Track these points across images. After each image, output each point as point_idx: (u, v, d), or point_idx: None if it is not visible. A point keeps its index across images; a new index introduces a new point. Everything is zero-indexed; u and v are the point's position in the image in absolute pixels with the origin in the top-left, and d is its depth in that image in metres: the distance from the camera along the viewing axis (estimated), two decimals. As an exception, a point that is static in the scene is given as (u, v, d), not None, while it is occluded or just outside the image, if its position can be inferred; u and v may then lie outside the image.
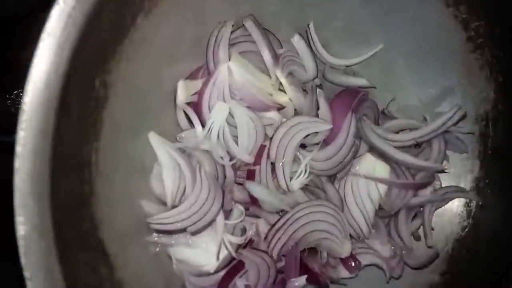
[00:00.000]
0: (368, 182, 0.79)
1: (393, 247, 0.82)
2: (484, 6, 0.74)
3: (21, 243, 0.43)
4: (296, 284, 0.74)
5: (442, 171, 0.81)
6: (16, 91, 0.92)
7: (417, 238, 0.84)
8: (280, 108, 0.75)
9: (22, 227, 0.43)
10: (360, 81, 0.84)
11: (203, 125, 0.71)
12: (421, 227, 0.84)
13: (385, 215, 0.83)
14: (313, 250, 0.80)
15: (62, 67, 0.47)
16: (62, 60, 0.48)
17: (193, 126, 0.72)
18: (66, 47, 0.48)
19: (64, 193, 0.50)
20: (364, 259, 0.81)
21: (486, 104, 0.81)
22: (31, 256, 0.43)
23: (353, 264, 0.80)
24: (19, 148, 0.43)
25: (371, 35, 0.83)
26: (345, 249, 0.78)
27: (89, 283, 0.55)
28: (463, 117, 0.79)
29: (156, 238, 0.70)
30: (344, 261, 0.81)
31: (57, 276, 0.46)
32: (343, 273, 0.81)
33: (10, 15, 0.87)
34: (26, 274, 0.43)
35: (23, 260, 0.43)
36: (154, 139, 0.71)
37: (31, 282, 0.43)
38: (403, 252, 0.82)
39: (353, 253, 0.80)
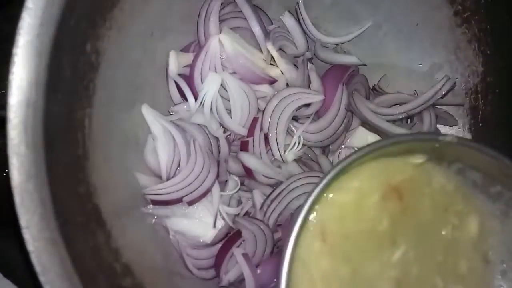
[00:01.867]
0: (362, 154, 0.79)
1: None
2: (469, -20, 0.76)
3: (16, 191, 0.42)
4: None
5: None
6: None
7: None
8: (272, 81, 0.76)
9: (16, 175, 0.43)
10: (351, 59, 0.86)
11: (195, 98, 0.72)
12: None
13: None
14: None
15: (52, 24, 0.47)
16: (51, 19, 0.48)
17: (185, 99, 0.72)
18: (53, 6, 0.48)
19: (58, 151, 0.50)
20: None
21: (475, 78, 0.82)
22: (27, 205, 0.43)
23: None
24: (12, 100, 0.44)
25: (359, 13, 0.84)
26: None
27: (87, 246, 0.54)
28: (452, 87, 0.80)
29: (152, 210, 0.69)
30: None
31: (53, 226, 0.46)
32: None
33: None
34: (22, 222, 0.43)
35: (19, 209, 0.43)
36: (147, 112, 0.71)
37: (28, 231, 0.43)
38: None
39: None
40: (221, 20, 0.75)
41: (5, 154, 0.84)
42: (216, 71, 0.71)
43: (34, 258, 0.44)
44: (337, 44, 0.87)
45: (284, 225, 0.73)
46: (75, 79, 0.55)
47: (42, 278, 0.44)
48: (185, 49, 0.76)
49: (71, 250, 0.49)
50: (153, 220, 0.70)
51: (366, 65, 0.86)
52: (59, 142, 0.51)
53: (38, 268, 0.44)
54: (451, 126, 0.85)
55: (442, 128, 0.85)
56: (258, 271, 0.72)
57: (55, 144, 0.49)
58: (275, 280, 0.73)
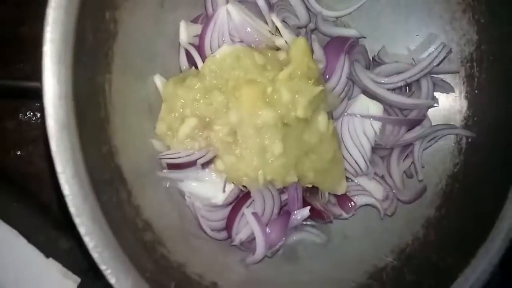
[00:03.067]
0: (363, 120, 0.84)
1: (386, 190, 0.86)
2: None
3: (52, 139, 0.46)
4: (299, 216, 0.78)
5: (432, 106, 0.86)
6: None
7: (409, 175, 0.89)
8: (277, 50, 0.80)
9: (52, 124, 0.46)
10: (351, 32, 0.89)
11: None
12: (412, 165, 0.88)
13: (381, 154, 0.87)
14: (314, 191, 0.84)
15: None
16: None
17: (194, 66, 0.76)
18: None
19: (84, 109, 0.54)
20: (359, 200, 0.86)
21: (470, 46, 0.85)
22: (61, 152, 0.47)
23: (349, 205, 0.84)
24: (45, 56, 0.47)
25: (358, -14, 0.88)
26: (341, 187, 0.82)
27: (112, 200, 0.58)
28: (448, 53, 0.84)
29: (167, 173, 0.73)
30: (340, 202, 0.85)
31: (84, 176, 0.49)
32: (342, 212, 0.86)
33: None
34: (58, 168, 0.46)
35: (55, 156, 0.47)
36: (159, 81, 0.75)
37: (64, 175, 0.47)
38: (394, 191, 0.86)
39: (348, 194, 0.85)
40: (227, -5, 0.79)
41: (19, 134, 0.91)
42: (224, 40, 0.75)
43: (70, 201, 0.47)
44: (337, 18, 0.90)
45: (290, 187, 0.77)
46: (96, 45, 0.58)
47: (77, 220, 0.47)
48: (193, 21, 0.80)
49: (100, 201, 0.53)
50: (168, 183, 0.74)
51: (365, 37, 0.90)
52: (85, 101, 0.54)
53: (72, 209, 0.47)
54: (448, 93, 0.88)
55: (439, 95, 0.89)
56: (267, 230, 0.76)
57: (82, 102, 0.53)
58: (283, 239, 0.78)
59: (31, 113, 0.95)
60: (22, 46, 0.95)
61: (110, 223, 0.53)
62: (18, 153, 0.94)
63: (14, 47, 0.95)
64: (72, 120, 0.49)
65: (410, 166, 0.88)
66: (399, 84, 0.86)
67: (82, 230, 0.48)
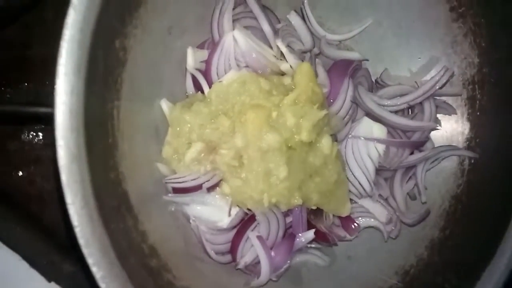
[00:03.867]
0: (367, 142, 0.85)
1: (390, 213, 0.87)
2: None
3: (62, 170, 0.47)
4: (304, 239, 0.78)
5: (435, 128, 0.87)
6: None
7: (413, 197, 0.89)
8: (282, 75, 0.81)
9: (63, 156, 0.47)
10: (353, 55, 0.90)
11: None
12: (415, 187, 0.88)
13: (385, 176, 0.88)
14: (318, 213, 0.85)
15: (92, 20, 0.52)
16: (91, 16, 0.53)
17: (201, 91, 0.77)
18: (94, 4, 0.53)
19: (94, 138, 0.55)
20: (363, 223, 0.87)
21: (471, 69, 0.86)
22: (71, 184, 0.48)
23: (352, 227, 0.85)
24: (59, 88, 0.48)
25: (361, 11, 0.90)
26: (345, 209, 0.83)
27: (119, 227, 0.59)
28: (451, 77, 0.85)
29: (172, 197, 0.74)
30: (344, 224, 0.86)
31: (92, 205, 0.50)
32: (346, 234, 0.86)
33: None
34: (68, 199, 0.47)
35: (65, 188, 0.47)
36: (166, 106, 0.76)
37: (73, 207, 0.48)
38: (397, 214, 0.87)
39: (352, 216, 0.85)
40: (233, 20, 0.80)
41: (21, 155, 0.92)
42: (230, 65, 0.76)
43: (79, 232, 0.48)
44: (340, 41, 0.92)
45: (295, 210, 0.78)
46: (107, 73, 0.60)
47: (85, 250, 0.48)
48: (199, 47, 0.81)
49: (107, 229, 0.53)
50: (173, 207, 0.74)
51: (368, 60, 0.91)
52: (95, 130, 0.55)
53: (81, 241, 0.48)
54: (450, 115, 0.89)
55: (442, 117, 0.90)
56: (272, 253, 0.76)
57: (92, 131, 0.54)
58: (288, 262, 0.78)
59: (33, 134, 0.96)
60: (27, 67, 0.96)
61: (117, 251, 0.53)
62: (20, 173, 0.94)
63: (19, 68, 0.96)
64: (82, 151, 0.50)
65: (413, 188, 0.89)
66: (402, 107, 0.87)
67: (90, 260, 0.49)
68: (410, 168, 0.88)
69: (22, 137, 0.95)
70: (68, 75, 0.48)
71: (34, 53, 0.95)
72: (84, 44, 0.50)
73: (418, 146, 0.87)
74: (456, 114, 0.88)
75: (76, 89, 0.49)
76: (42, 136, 0.95)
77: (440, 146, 0.88)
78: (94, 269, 0.49)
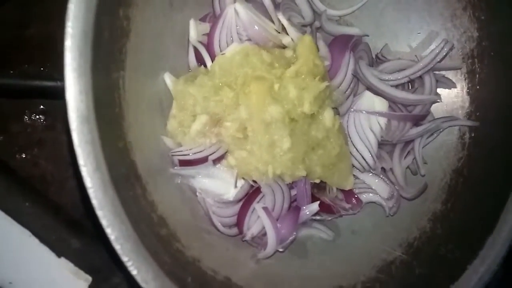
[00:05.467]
0: (369, 116, 0.85)
1: (391, 189, 0.87)
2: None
3: (74, 133, 0.47)
4: (308, 211, 0.79)
5: (435, 102, 0.87)
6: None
7: (414, 172, 0.90)
8: (283, 48, 0.81)
9: (74, 117, 0.47)
10: (353, 30, 0.91)
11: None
12: (414, 161, 0.89)
13: (387, 150, 0.89)
14: (322, 187, 0.86)
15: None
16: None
17: (203, 64, 0.77)
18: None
19: (102, 105, 0.55)
20: (365, 198, 0.88)
21: (471, 43, 0.87)
22: (83, 145, 0.48)
23: (355, 202, 0.86)
24: (67, 48, 0.48)
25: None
26: (348, 182, 0.83)
27: (129, 194, 0.58)
28: (450, 49, 0.85)
29: (179, 170, 0.74)
30: (347, 199, 0.86)
31: (104, 169, 0.50)
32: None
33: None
34: (80, 161, 0.47)
35: (77, 149, 0.47)
36: (169, 80, 0.76)
37: (86, 168, 0.48)
38: (397, 188, 0.88)
39: (355, 192, 0.86)
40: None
41: (24, 137, 0.92)
42: (232, 38, 0.76)
43: (92, 193, 0.48)
44: (340, 17, 0.92)
45: (299, 182, 0.78)
46: (112, 42, 0.59)
47: (99, 212, 0.48)
48: (201, 20, 0.81)
49: (119, 195, 0.53)
50: (179, 180, 0.74)
51: (368, 36, 0.91)
52: (103, 97, 0.55)
53: (95, 202, 0.48)
54: (450, 89, 0.90)
55: (442, 91, 0.90)
56: (278, 225, 0.77)
57: (100, 97, 0.54)
58: (294, 233, 0.78)
59: (36, 116, 0.96)
60: (28, 48, 0.95)
61: (129, 216, 0.53)
62: (23, 155, 0.94)
63: (19, 49, 0.95)
64: (92, 115, 0.50)
65: (412, 162, 0.90)
66: (402, 81, 0.87)
67: (104, 222, 0.49)
68: (408, 143, 0.88)
69: (25, 119, 0.95)
70: (75, 36, 0.48)
71: (33, 33, 0.95)
72: (91, 8, 0.50)
73: (419, 119, 0.87)
74: (455, 88, 0.89)
75: (84, 52, 0.49)
76: (44, 119, 0.95)
77: (439, 118, 0.88)
78: (108, 231, 0.49)
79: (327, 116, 0.80)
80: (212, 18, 0.80)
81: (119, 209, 0.51)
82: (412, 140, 0.88)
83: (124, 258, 0.50)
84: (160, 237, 0.62)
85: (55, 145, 0.94)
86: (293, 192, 0.80)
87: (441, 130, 0.88)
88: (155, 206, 0.64)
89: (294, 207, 0.79)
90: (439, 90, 0.90)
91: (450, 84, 0.90)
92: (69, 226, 0.81)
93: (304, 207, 0.79)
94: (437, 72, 0.90)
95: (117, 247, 0.50)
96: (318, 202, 0.80)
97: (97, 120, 0.51)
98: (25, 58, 0.94)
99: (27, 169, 0.93)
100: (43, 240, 0.77)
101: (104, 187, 0.50)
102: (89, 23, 0.50)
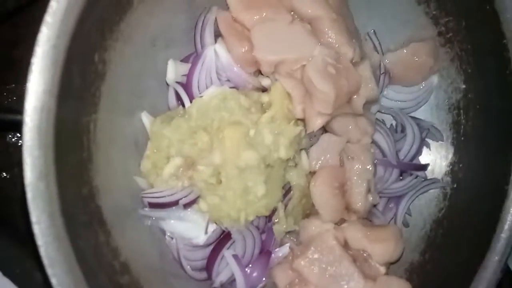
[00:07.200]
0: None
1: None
2: (451, 3, 0.81)
3: (28, 188, 0.46)
4: (280, 254, 0.78)
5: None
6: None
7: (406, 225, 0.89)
8: (263, 90, 0.80)
9: (29, 174, 0.46)
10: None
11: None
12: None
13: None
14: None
15: (67, 36, 0.51)
16: (66, 32, 0.52)
17: (182, 104, 0.76)
18: (69, 20, 0.52)
19: (66, 153, 0.54)
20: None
21: (457, 94, 0.87)
22: (37, 202, 0.47)
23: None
24: (28, 105, 0.47)
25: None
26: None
27: (89, 244, 0.58)
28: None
29: (149, 212, 0.73)
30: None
31: (60, 223, 0.49)
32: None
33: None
34: (33, 218, 0.46)
35: (30, 206, 0.46)
36: (146, 119, 0.75)
37: (38, 226, 0.47)
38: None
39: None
40: (216, 35, 0.79)
41: (5, 157, 0.91)
42: (211, 79, 0.76)
43: (43, 252, 0.47)
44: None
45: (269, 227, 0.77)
46: (84, 87, 0.59)
47: (49, 270, 0.47)
48: (184, 60, 0.80)
49: (75, 247, 0.53)
50: (149, 222, 0.73)
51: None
52: (67, 146, 0.55)
53: (45, 261, 0.47)
54: (438, 142, 0.89)
55: (430, 142, 0.90)
56: (248, 271, 0.76)
57: (64, 147, 0.53)
58: (263, 279, 0.77)
59: (18, 135, 0.95)
60: (16, 67, 0.95)
61: (85, 269, 0.52)
62: (4, 175, 0.93)
63: (7, 68, 0.95)
64: (51, 169, 0.49)
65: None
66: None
67: (54, 281, 0.48)
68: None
69: (8, 138, 0.94)
70: (38, 93, 0.48)
71: (22, 54, 0.94)
72: (58, 61, 0.49)
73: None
74: (443, 141, 0.89)
75: (46, 106, 0.49)
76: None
77: (424, 180, 0.88)
78: (58, 291, 0.48)
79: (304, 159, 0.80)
80: (195, 58, 0.79)
81: (73, 265, 0.50)
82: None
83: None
84: (119, 286, 0.61)
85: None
86: (264, 236, 0.78)
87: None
88: (118, 252, 0.63)
89: (265, 252, 0.78)
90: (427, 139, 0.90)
91: (438, 136, 0.89)
92: (35, 259, 0.80)
93: (276, 250, 0.78)
94: (425, 120, 0.90)
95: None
96: (288, 244, 0.79)
97: (57, 173, 0.50)
98: (13, 78, 0.94)
99: (6, 189, 0.92)
100: (6, 272, 0.75)
101: (58, 243, 0.49)
102: (55, 77, 0.49)
